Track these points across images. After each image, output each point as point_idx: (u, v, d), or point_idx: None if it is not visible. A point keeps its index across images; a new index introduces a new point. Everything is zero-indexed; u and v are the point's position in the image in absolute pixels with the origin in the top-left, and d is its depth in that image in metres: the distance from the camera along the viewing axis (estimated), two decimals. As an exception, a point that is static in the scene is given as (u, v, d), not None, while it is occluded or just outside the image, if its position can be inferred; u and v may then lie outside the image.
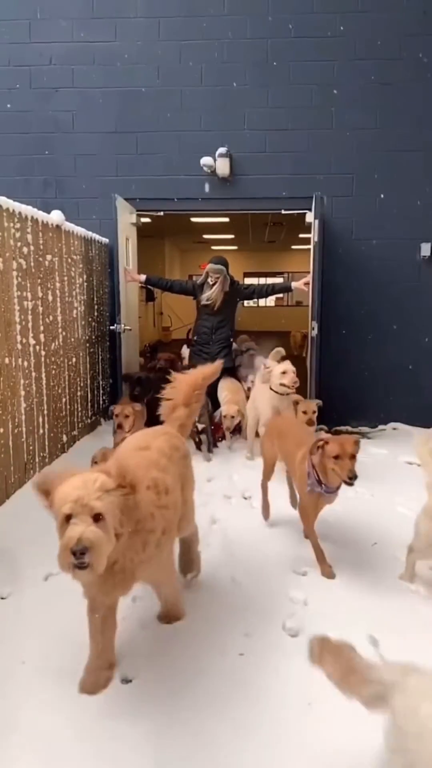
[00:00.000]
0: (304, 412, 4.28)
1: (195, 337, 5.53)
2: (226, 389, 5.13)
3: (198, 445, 4.93)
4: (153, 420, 3.69)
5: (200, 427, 4.84)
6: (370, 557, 3.05)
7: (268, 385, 4.55)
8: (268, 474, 3.46)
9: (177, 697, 1.99)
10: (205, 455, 4.85)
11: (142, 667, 2.14)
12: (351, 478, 2.57)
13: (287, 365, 4.53)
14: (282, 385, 4.42)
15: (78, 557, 1.63)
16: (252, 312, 16.00)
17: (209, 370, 2.84)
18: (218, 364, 2.94)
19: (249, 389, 5.38)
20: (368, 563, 2.98)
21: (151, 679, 2.08)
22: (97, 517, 1.67)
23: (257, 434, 4.69)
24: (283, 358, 5.35)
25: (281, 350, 5.55)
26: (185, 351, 6.29)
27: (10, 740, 1.80)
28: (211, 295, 5.22)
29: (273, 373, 4.51)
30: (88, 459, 3.74)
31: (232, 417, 4.86)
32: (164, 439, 2.40)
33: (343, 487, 2.73)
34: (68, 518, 1.67)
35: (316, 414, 4.28)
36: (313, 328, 5.15)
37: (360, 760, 1.74)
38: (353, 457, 2.64)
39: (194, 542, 2.72)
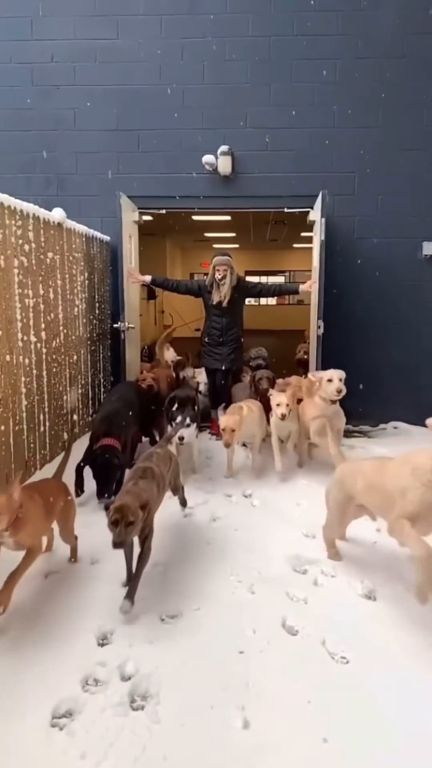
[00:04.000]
0: None
1: (206, 339, 5.51)
2: (243, 402, 4.48)
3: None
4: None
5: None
6: (370, 556, 3.05)
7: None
8: None
9: (177, 695, 2.00)
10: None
11: (144, 659, 2.15)
12: None
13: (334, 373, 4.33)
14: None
15: None
16: (254, 311, 15.95)
17: None
18: None
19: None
20: (368, 562, 2.98)
21: (152, 675, 2.08)
22: None
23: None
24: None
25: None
26: (170, 354, 6.17)
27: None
28: (224, 293, 5.20)
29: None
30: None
31: (232, 431, 4.05)
32: None
33: None
34: None
35: None
36: (318, 327, 5.13)
37: (359, 756, 1.74)
38: None
39: None
